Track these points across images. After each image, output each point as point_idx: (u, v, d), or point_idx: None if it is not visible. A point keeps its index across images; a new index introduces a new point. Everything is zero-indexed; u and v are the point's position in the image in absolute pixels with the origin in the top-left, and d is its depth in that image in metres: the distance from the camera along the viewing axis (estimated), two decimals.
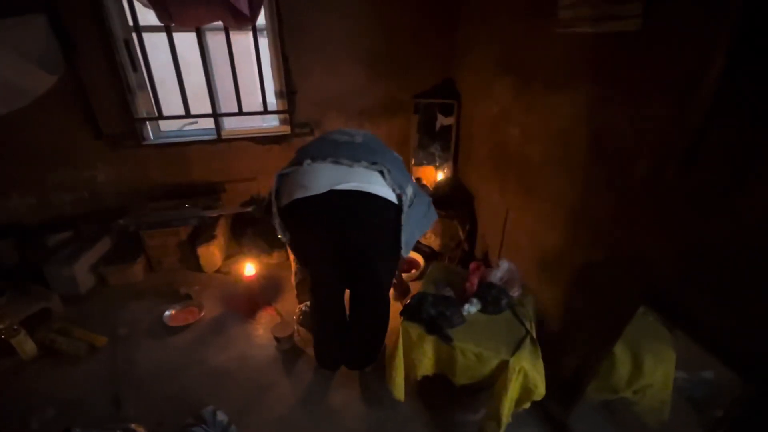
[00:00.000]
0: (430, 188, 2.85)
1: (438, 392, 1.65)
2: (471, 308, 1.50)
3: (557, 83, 1.61)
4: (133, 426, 1.48)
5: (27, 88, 2.00)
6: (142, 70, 2.48)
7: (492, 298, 1.50)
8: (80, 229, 2.56)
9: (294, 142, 2.76)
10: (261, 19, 2.37)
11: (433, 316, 1.42)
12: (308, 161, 1.37)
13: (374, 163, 1.35)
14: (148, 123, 2.61)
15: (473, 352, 1.36)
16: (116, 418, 1.60)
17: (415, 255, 2.63)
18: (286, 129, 2.77)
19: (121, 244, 2.63)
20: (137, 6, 2.25)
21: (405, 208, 1.36)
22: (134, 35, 2.37)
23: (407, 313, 1.49)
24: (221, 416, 1.51)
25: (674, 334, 1.31)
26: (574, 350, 1.62)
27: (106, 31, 2.24)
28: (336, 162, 1.34)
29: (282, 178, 1.42)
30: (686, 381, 1.33)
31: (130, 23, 2.33)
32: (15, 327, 1.86)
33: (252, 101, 2.78)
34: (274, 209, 1.42)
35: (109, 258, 2.53)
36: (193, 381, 1.80)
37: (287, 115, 2.71)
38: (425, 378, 1.51)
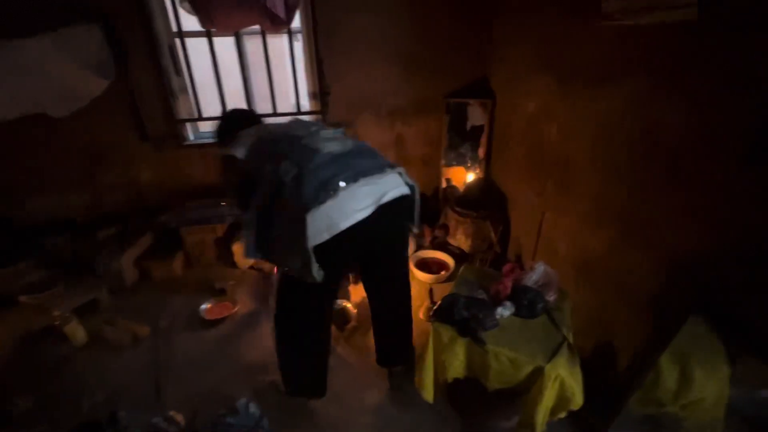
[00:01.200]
0: (460, 189, 2.81)
1: (470, 396, 1.61)
2: (504, 311, 1.45)
3: (601, 78, 1.54)
4: (172, 414, 1.55)
5: (83, 93, 2.15)
6: (184, 74, 2.59)
7: (527, 301, 1.45)
8: (126, 225, 2.71)
9: None
10: (296, 22, 2.43)
11: (465, 318, 1.39)
12: (341, 189, 1.21)
13: (391, 167, 1.37)
14: (188, 124, 2.74)
15: (507, 357, 1.31)
16: (157, 405, 1.68)
17: (444, 257, 2.60)
18: None
19: (162, 240, 2.75)
20: (180, 13, 2.36)
21: (417, 195, 1.47)
22: (177, 41, 2.48)
23: (438, 315, 1.47)
24: (253, 409, 1.55)
25: (729, 347, 1.21)
26: (616, 359, 1.54)
27: (153, 38, 2.37)
28: (368, 179, 1.28)
29: (313, 214, 1.17)
30: (742, 399, 1.23)
31: (174, 29, 2.45)
32: (67, 315, 2.00)
33: (285, 103, 2.84)
34: (310, 254, 1.19)
35: (150, 253, 2.66)
36: (227, 373, 1.85)
37: (320, 116, 2.75)
38: (456, 381, 1.48)
